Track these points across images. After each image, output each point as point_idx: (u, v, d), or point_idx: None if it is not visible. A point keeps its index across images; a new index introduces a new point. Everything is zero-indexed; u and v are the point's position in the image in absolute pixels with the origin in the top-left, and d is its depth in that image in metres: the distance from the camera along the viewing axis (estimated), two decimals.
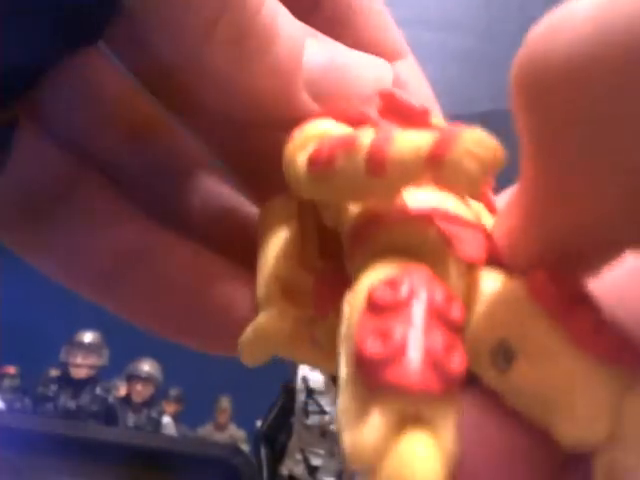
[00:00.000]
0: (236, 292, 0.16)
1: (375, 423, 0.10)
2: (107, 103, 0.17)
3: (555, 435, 0.10)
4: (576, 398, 0.10)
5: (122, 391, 1.82)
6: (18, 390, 1.88)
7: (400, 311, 0.10)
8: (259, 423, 1.62)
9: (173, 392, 2.01)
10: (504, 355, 0.11)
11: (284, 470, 1.55)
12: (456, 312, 0.10)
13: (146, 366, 1.87)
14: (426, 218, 0.12)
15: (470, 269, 0.12)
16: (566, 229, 0.10)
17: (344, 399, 0.10)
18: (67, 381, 1.68)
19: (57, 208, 0.16)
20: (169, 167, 0.17)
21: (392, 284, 0.10)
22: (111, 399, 1.72)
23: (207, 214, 0.18)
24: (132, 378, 1.84)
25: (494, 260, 0.11)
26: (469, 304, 0.11)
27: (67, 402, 1.66)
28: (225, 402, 2.07)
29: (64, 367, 1.71)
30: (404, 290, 0.10)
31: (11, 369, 1.94)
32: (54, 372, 1.74)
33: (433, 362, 0.09)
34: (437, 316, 0.10)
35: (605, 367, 0.10)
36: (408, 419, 0.10)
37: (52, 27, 0.12)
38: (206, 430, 2.05)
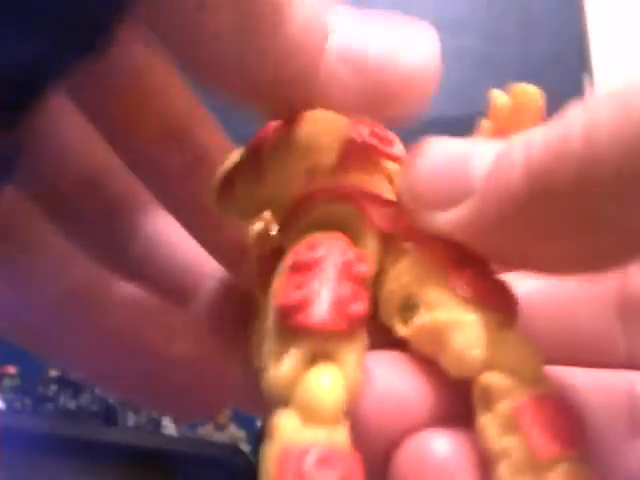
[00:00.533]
0: (173, 328, 0.16)
1: (290, 359, 0.11)
2: (64, 150, 0.16)
3: (444, 368, 0.12)
4: (456, 334, 0.12)
5: None
6: (18, 390, 1.87)
7: (315, 268, 0.12)
8: (259, 423, 1.62)
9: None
10: (410, 308, 0.13)
11: None
12: (362, 269, 0.12)
13: None
14: (347, 196, 0.14)
15: (386, 238, 0.14)
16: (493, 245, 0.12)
17: (267, 343, 0.12)
18: (67, 381, 1.68)
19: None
20: (120, 210, 0.17)
21: (311, 246, 0.12)
22: (111, 399, 1.71)
23: (152, 257, 0.17)
24: None
25: (405, 230, 0.14)
26: (384, 268, 0.13)
27: (67, 402, 1.66)
28: None
29: None
30: (320, 251, 0.12)
31: (11, 369, 1.93)
32: (54, 372, 1.74)
33: (338, 307, 0.11)
34: (346, 271, 0.12)
35: (481, 309, 0.12)
36: (319, 356, 0.11)
37: (52, 35, 0.12)
38: (206, 430, 2.04)
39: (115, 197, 0.17)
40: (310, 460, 0.10)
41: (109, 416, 1.67)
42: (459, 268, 0.13)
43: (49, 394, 1.69)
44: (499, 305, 0.12)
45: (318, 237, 0.13)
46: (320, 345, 0.11)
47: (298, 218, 0.14)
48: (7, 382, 1.89)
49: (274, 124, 0.14)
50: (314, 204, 0.14)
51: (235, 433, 2.04)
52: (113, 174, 0.17)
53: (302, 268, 0.12)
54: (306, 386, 0.11)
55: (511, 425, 0.11)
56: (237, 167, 0.14)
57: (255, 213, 0.15)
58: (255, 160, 0.14)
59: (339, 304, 0.12)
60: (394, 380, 0.12)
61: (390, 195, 0.14)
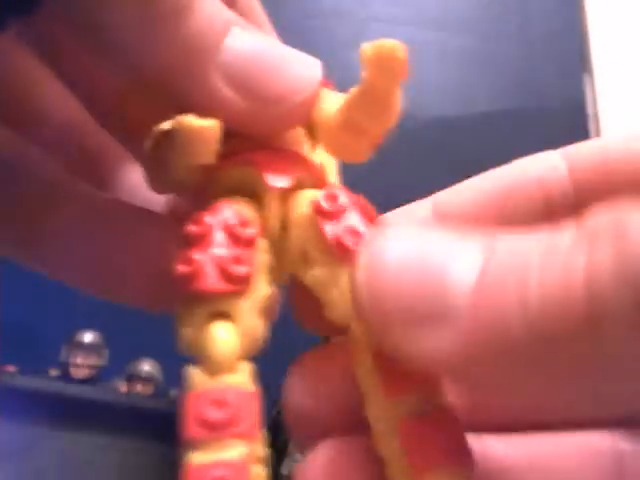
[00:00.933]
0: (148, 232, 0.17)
1: (192, 321, 0.13)
2: (42, 103, 0.17)
3: (327, 316, 0.14)
4: (332, 289, 0.14)
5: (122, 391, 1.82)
6: None
7: (202, 239, 0.14)
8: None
9: (173, 392, 2.00)
10: (306, 261, 0.15)
11: (284, 470, 1.55)
12: (246, 232, 0.14)
13: (146, 366, 1.86)
14: (246, 161, 0.15)
15: (289, 195, 0.15)
16: None
17: (179, 312, 0.14)
18: (67, 381, 1.68)
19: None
20: (98, 162, 0.17)
21: (197, 221, 0.14)
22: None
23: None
24: (132, 378, 1.83)
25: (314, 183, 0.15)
26: (287, 224, 0.15)
27: None
28: None
29: (64, 367, 1.71)
30: (206, 222, 0.14)
31: (11, 369, 1.93)
32: (54, 372, 1.74)
33: (222, 271, 0.13)
34: (230, 237, 0.14)
35: (344, 266, 0.14)
36: (216, 316, 0.13)
37: None
38: None
39: (93, 148, 0.18)
40: (204, 402, 0.12)
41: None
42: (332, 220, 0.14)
43: None
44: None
45: (206, 210, 0.14)
46: (214, 306, 0.13)
47: (208, 187, 0.15)
48: None
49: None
50: (219, 173, 0.15)
51: None
52: (89, 126, 0.17)
53: (191, 239, 0.14)
54: (203, 342, 0.13)
55: (394, 434, 0.13)
56: (149, 152, 0.15)
57: (181, 189, 0.16)
58: (157, 149, 0.15)
59: (222, 269, 0.13)
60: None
61: (302, 146, 0.16)
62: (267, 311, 0.14)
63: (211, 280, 0.13)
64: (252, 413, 0.13)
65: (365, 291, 0.11)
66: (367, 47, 0.14)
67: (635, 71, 1.16)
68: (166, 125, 0.14)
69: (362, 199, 0.15)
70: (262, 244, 0.15)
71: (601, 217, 0.09)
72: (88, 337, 1.90)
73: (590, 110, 1.22)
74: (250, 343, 0.14)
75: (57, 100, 0.17)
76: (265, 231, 0.15)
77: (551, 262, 0.09)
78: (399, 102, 0.15)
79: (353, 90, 0.15)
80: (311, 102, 0.15)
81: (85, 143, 0.18)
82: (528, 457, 0.14)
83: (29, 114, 0.17)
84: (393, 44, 0.14)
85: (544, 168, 0.14)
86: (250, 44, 0.14)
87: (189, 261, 0.14)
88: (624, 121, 1.11)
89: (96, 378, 1.79)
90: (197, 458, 0.12)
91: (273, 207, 0.15)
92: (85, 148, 0.18)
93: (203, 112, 0.14)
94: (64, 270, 0.16)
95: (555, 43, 1.43)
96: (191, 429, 0.12)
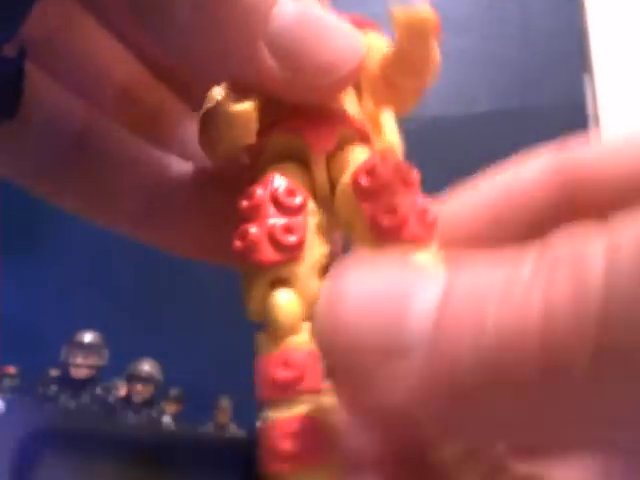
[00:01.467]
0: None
1: (256, 290, 0.14)
2: (98, 64, 0.17)
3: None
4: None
5: (122, 391, 1.82)
6: (18, 390, 1.87)
7: (256, 211, 0.14)
8: (259, 423, 1.62)
9: (173, 392, 2.00)
10: (351, 229, 0.15)
11: None
12: (295, 201, 0.15)
13: (146, 366, 1.86)
14: (292, 127, 0.16)
15: (335, 154, 0.15)
16: None
17: (244, 282, 0.15)
18: (67, 381, 1.68)
19: (75, 154, 0.16)
20: (157, 119, 0.18)
21: (250, 195, 0.15)
22: (111, 399, 1.71)
23: None
24: (132, 378, 1.83)
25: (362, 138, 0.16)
26: (335, 183, 0.16)
27: (67, 402, 1.66)
28: (225, 402, 2.06)
29: (64, 367, 1.70)
30: (257, 195, 0.15)
31: (11, 369, 1.93)
32: (54, 372, 1.74)
33: (274, 242, 0.14)
34: (280, 207, 0.14)
35: (383, 245, 0.14)
36: (276, 283, 0.14)
37: None
38: (206, 430, 2.04)
39: (152, 106, 0.18)
40: (274, 365, 0.13)
41: (109, 416, 1.67)
42: (368, 197, 0.15)
43: (49, 394, 1.69)
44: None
45: (257, 184, 0.15)
46: (273, 274, 0.14)
47: (257, 154, 0.16)
48: (7, 382, 1.89)
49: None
50: (266, 140, 0.16)
51: (235, 433, 2.04)
52: (147, 84, 0.17)
53: (245, 213, 0.15)
54: (267, 308, 0.14)
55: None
56: (198, 128, 0.16)
57: (230, 160, 0.16)
58: (203, 127, 0.16)
59: (275, 239, 0.14)
60: None
61: (353, 106, 0.16)
62: (324, 269, 0.15)
63: (265, 252, 0.14)
64: (315, 370, 0.14)
65: (324, 326, 0.10)
66: (398, 13, 0.14)
67: (635, 71, 1.16)
68: (209, 105, 0.15)
69: (404, 166, 0.15)
70: (312, 207, 0.15)
71: (561, 246, 0.09)
72: (88, 337, 1.90)
73: (590, 110, 1.22)
74: (310, 304, 0.14)
75: (116, 58, 0.17)
76: (314, 193, 0.16)
77: (510, 295, 0.09)
78: (435, 58, 0.15)
79: (388, 49, 0.15)
80: (354, 75, 0.15)
81: (144, 98, 0.18)
82: None
83: (92, 76, 0.17)
84: (423, 11, 0.14)
85: (540, 171, 0.14)
86: (296, 14, 0.14)
87: (245, 235, 0.14)
88: (624, 121, 1.11)
89: (96, 378, 1.79)
90: (273, 415, 0.13)
91: (320, 169, 0.16)
92: (144, 104, 0.18)
93: (248, 81, 0.14)
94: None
95: (555, 43, 1.43)
96: (265, 390, 0.14)
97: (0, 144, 0.15)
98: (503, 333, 0.08)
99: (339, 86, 0.15)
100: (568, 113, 1.28)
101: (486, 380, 0.08)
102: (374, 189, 0.14)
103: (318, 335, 0.11)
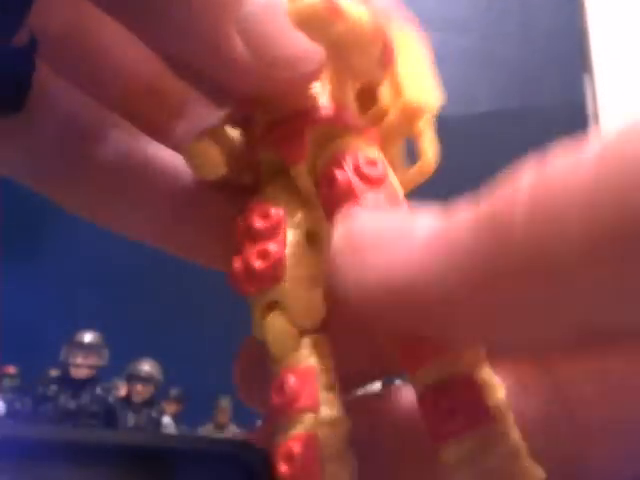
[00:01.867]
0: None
1: (255, 314, 0.14)
2: (118, 59, 0.17)
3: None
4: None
5: (122, 391, 1.82)
6: (18, 390, 1.87)
7: (240, 244, 0.14)
8: (259, 423, 1.62)
9: (173, 392, 2.00)
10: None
11: None
12: (266, 223, 0.15)
13: (146, 366, 1.87)
14: (269, 144, 0.15)
15: (319, 153, 0.15)
16: None
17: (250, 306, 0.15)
18: (67, 381, 1.68)
19: (92, 149, 0.16)
20: (177, 113, 0.18)
21: (235, 229, 0.15)
22: (111, 399, 1.71)
23: None
24: (132, 378, 1.83)
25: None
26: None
27: (67, 402, 1.66)
28: (225, 402, 2.07)
29: (64, 367, 1.71)
30: (239, 227, 0.15)
31: (11, 369, 1.93)
32: (54, 372, 1.74)
33: (250, 272, 0.14)
34: (251, 235, 0.14)
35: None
36: (271, 306, 0.14)
37: None
38: (206, 430, 2.04)
39: (173, 101, 0.17)
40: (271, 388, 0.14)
41: (109, 416, 1.68)
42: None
43: (49, 394, 1.69)
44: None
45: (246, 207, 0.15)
46: (264, 299, 0.14)
47: (247, 173, 0.16)
48: (7, 382, 1.89)
49: None
50: (251, 159, 0.16)
51: (235, 433, 2.04)
52: (167, 79, 0.17)
53: (235, 246, 0.15)
54: (262, 333, 0.14)
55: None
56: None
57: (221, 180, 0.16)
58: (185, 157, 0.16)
59: (249, 269, 0.14)
60: None
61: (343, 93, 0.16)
62: (315, 277, 0.15)
63: (244, 283, 0.14)
64: (310, 387, 0.14)
65: (343, 252, 0.12)
66: (291, 15, 0.13)
67: (635, 71, 1.16)
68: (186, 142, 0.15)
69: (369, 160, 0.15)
70: (296, 220, 0.15)
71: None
72: (88, 337, 1.90)
73: (590, 110, 1.22)
74: (305, 318, 0.14)
75: (136, 55, 0.17)
76: (304, 201, 0.15)
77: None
78: (354, 29, 0.13)
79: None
80: (322, 68, 0.14)
81: (154, 85, 0.17)
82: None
83: (110, 74, 0.17)
84: (310, 4, 0.13)
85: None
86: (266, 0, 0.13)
87: (231, 265, 0.15)
88: (624, 121, 1.10)
89: (96, 378, 1.79)
90: (277, 436, 0.14)
91: (302, 178, 0.15)
92: (154, 90, 0.17)
93: (220, 75, 0.14)
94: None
95: (555, 43, 1.43)
96: (268, 415, 0.14)
97: (10, 139, 0.15)
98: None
99: (309, 79, 0.14)
100: (568, 113, 1.28)
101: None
102: (337, 198, 0.14)
103: (336, 256, 0.12)
